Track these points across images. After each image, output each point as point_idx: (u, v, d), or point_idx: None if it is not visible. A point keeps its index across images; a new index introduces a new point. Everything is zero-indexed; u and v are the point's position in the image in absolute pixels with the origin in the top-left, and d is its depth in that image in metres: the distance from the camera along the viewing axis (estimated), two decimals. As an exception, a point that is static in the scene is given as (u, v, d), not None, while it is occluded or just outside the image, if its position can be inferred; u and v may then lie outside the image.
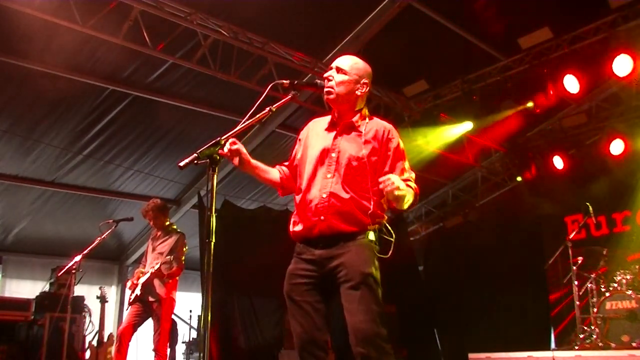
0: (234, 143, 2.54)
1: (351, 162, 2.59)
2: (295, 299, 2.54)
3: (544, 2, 6.33)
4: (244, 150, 2.60)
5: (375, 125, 2.72)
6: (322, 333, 2.50)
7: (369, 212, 2.54)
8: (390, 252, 2.55)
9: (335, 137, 2.69)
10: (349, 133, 2.69)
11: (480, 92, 7.38)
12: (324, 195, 2.56)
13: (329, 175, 2.60)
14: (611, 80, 7.00)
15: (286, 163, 2.89)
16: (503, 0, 6.30)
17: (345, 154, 2.61)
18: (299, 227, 2.62)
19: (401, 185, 2.41)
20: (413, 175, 2.66)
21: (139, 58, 6.20)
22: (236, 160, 2.58)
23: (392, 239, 2.57)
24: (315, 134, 2.78)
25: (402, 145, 2.70)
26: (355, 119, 2.71)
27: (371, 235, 2.54)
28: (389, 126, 2.73)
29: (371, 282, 2.44)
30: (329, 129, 2.76)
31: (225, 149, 2.49)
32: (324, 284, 2.53)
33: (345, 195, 2.54)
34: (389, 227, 2.61)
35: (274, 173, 2.82)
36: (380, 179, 2.42)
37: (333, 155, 2.64)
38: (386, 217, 2.64)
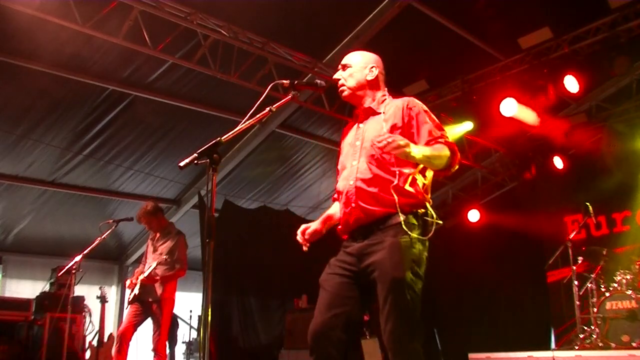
0: (306, 234, 2.72)
1: (373, 142, 2.53)
2: (326, 289, 2.50)
3: (544, 2, 6.33)
4: (314, 227, 2.74)
5: (394, 102, 2.70)
6: (338, 330, 2.41)
7: (398, 187, 2.46)
8: (431, 234, 2.49)
9: (357, 127, 2.73)
10: (369, 118, 2.71)
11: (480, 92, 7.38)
12: (352, 182, 2.57)
13: (354, 163, 2.61)
14: (611, 80, 7.00)
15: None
16: (503, 0, 6.30)
17: (368, 137, 2.61)
18: (340, 225, 2.65)
19: (399, 139, 2.31)
20: (445, 132, 2.55)
21: (139, 58, 6.20)
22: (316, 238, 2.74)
23: (432, 220, 2.49)
24: (346, 136, 2.83)
25: (425, 109, 2.62)
26: (373, 104, 2.71)
27: (409, 219, 2.43)
28: (408, 98, 2.69)
29: (403, 288, 2.33)
30: (353, 123, 2.80)
31: (304, 245, 2.71)
32: (360, 281, 2.47)
33: (370, 175, 2.52)
34: (432, 210, 2.53)
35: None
36: (373, 140, 2.36)
37: (357, 143, 2.66)
38: (426, 198, 2.55)
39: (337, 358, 2.40)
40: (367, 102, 2.73)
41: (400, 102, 2.66)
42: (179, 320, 8.60)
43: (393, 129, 2.56)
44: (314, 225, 2.75)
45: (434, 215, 2.52)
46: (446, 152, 2.46)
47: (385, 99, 2.72)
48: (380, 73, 2.77)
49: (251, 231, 8.29)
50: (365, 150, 2.59)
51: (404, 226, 2.41)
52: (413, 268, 2.40)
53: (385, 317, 2.35)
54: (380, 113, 2.66)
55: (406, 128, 2.57)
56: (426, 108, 2.64)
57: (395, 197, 2.45)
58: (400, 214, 2.43)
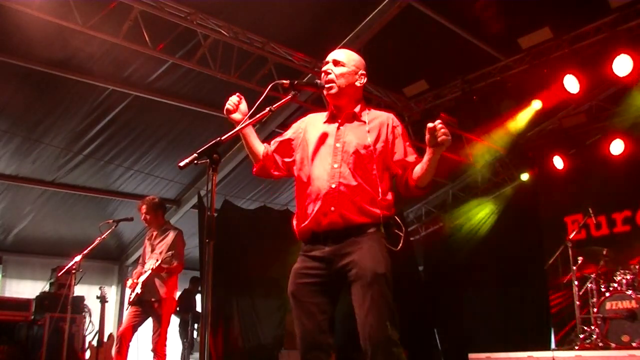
0: (238, 104, 2.65)
1: (359, 150, 2.55)
2: (301, 300, 2.47)
3: (544, 2, 6.33)
4: (243, 105, 2.68)
5: (377, 114, 2.70)
6: (325, 336, 2.44)
7: (378, 199, 2.49)
8: (400, 245, 2.51)
9: (338, 128, 2.66)
10: (352, 122, 2.66)
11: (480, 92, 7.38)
12: (333, 185, 2.50)
13: (335, 166, 2.54)
14: (611, 80, 6.99)
15: (273, 143, 2.81)
16: (503, 0, 6.30)
17: (351, 143, 2.58)
18: (306, 222, 2.54)
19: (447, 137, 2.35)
20: None
21: (139, 58, 6.20)
22: (237, 116, 2.64)
23: (401, 233, 2.53)
24: (314, 128, 2.74)
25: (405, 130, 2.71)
26: (356, 109, 2.69)
27: (382, 229, 2.50)
28: (391, 115, 2.72)
29: (383, 283, 2.37)
30: (329, 121, 2.73)
31: (231, 105, 2.62)
32: (333, 283, 2.47)
33: (354, 183, 2.50)
34: (399, 221, 2.57)
35: (261, 147, 2.77)
36: (431, 125, 2.35)
37: (338, 145, 2.59)
38: (395, 210, 2.59)
39: None
40: (350, 107, 2.69)
41: (385, 118, 2.68)
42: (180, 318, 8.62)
43: (376, 142, 2.58)
44: (243, 107, 2.68)
45: (402, 227, 2.57)
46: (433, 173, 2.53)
47: (365, 108, 2.72)
48: (365, 81, 2.75)
49: (251, 231, 8.28)
50: (346, 155, 2.56)
51: (379, 234, 2.48)
52: (389, 270, 2.43)
53: (365, 310, 2.34)
54: (363, 122, 2.64)
55: (389, 145, 2.61)
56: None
57: (377, 209, 2.49)
58: (379, 224, 2.49)
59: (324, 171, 2.56)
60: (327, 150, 2.61)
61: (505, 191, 9.83)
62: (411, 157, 2.60)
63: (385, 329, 2.33)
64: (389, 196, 2.57)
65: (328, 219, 2.48)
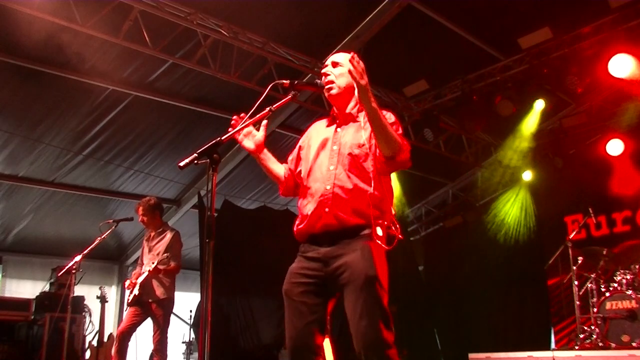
0: (244, 128, 2.66)
1: (353, 150, 2.56)
2: (294, 299, 2.48)
3: (544, 2, 6.33)
4: (259, 135, 2.71)
5: None
6: (315, 337, 2.44)
7: (373, 200, 2.46)
8: (392, 245, 2.49)
9: (335, 130, 2.69)
10: (348, 124, 2.68)
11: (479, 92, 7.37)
12: (328, 187, 2.52)
13: (331, 168, 2.57)
14: (611, 80, 6.98)
15: (289, 161, 2.87)
16: (503, 0, 6.30)
17: (346, 144, 2.59)
18: (302, 224, 2.58)
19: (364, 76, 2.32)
20: (404, 141, 2.53)
21: (139, 58, 6.20)
22: (249, 144, 2.70)
23: (397, 232, 2.52)
24: (317, 133, 2.77)
25: (396, 122, 2.60)
26: (354, 110, 2.70)
27: (378, 231, 2.45)
28: (386, 112, 2.66)
29: (376, 285, 2.36)
30: (329, 124, 2.76)
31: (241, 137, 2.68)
32: (327, 284, 2.46)
33: (349, 185, 2.50)
34: (395, 220, 2.55)
35: (280, 169, 2.83)
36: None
37: (335, 147, 2.62)
38: (392, 209, 2.58)
39: None
40: (349, 108, 2.70)
41: None
42: (178, 320, 8.62)
43: (370, 138, 2.55)
44: (259, 137, 2.72)
45: (398, 228, 2.55)
46: (396, 135, 2.43)
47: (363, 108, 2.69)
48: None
49: (251, 231, 8.28)
50: (342, 156, 2.57)
51: (374, 236, 2.44)
52: (382, 273, 2.42)
53: (358, 315, 2.34)
54: (359, 121, 2.64)
55: None
56: (396, 121, 2.62)
57: (372, 210, 2.46)
58: (372, 225, 2.46)
59: (320, 174, 2.59)
60: (326, 153, 2.63)
61: (505, 191, 9.83)
62: None
63: (379, 332, 2.32)
64: (386, 195, 2.56)
65: (323, 221, 2.50)
